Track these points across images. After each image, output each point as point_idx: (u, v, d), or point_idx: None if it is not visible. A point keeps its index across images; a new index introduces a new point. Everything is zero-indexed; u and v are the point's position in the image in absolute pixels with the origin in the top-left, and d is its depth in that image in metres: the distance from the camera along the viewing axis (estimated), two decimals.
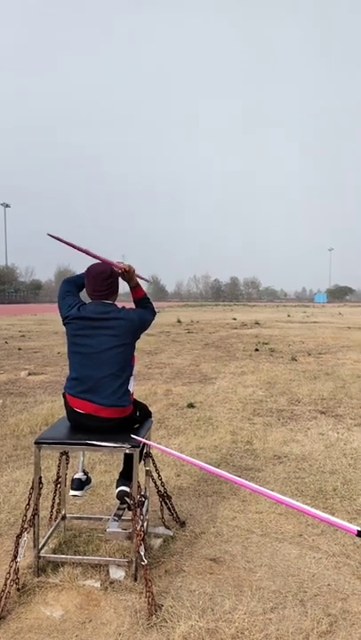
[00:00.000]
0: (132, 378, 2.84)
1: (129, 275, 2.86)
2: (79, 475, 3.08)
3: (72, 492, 3.02)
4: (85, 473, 3.13)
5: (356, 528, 1.75)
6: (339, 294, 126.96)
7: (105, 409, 2.70)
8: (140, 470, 2.78)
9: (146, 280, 3.30)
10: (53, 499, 3.06)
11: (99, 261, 2.85)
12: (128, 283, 2.91)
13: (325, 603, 2.42)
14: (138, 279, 2.97)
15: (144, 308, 2.93)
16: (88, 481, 3.13)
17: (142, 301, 2.96)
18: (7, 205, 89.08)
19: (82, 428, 2.76)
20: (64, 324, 2.82)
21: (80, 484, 3.04)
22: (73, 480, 3.05)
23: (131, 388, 2.82)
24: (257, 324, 24.33)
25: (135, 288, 2.94)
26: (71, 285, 2.93)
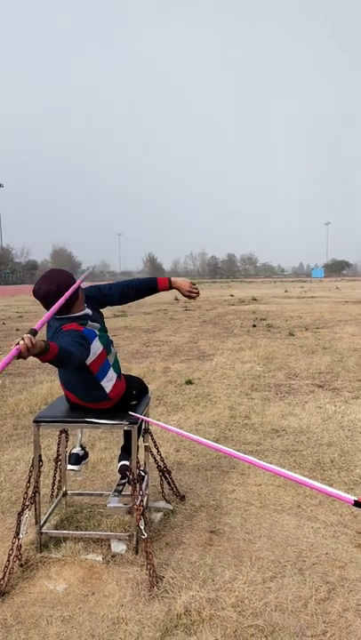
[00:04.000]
0: (105, 378, 2.66)
1: (27, 354, 1.98)
2: (77, 450, 3.10)
3: (69, 467, 3.04)
4: (83, 448, 3.15)
5: (353, 498, 1.77)
6: (336, 269, 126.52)
7: (89, 403, 2.72)
8: (139, 446, 2.80)
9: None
10: (54, 476, 3.09)
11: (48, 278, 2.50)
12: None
13: (324, 571, 2.47)
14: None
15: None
16: (85, 455, 3.15)
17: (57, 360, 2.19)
18: (0, 185, 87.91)
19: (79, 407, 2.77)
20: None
21: (77, 459, 3.06)
22: (70, 455, 3.06)
23: (107, 386, 2.67)
24: (254, 300, 24.31)
25: (41, 358, 2.08)
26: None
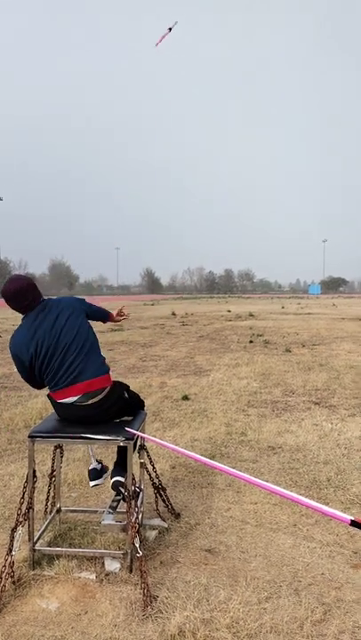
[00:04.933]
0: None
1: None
2: (94, 465, 3.07)
3: (92, 483, 3.02)
4: (99, 462, 3.12)
5: (349, 517, 1.76)
6: (333, 285, 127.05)
7: (99, 376, 2.74)
8: (134, 462, 2.78)
9: None
10: (48, 492, 3.06)
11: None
12: None
13: (319, 592, 2.44)
14: None
15: None
16: (104, 469, 3.12)
17: None
18: (0, 199, 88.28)
19: (75, 420, 2.75)
20: None
21: (97, 474, 3.04)
22: (89, 471, 3.04)
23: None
24: (251, 315, 24.35)
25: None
26: None
